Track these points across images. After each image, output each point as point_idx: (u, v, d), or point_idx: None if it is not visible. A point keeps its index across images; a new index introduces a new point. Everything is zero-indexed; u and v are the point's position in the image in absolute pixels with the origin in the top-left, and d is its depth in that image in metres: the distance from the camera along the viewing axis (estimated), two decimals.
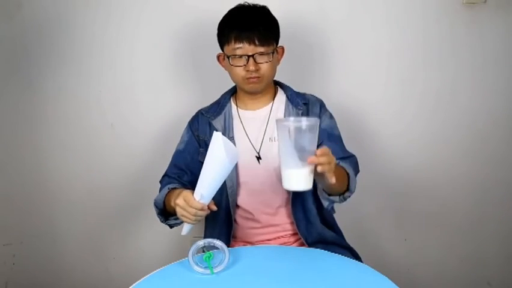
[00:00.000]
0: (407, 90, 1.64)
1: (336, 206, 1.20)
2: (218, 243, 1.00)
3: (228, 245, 1.24)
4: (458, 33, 1.59)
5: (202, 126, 1.32)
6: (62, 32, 1.69)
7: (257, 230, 1.30)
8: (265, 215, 1.28)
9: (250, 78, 1.20)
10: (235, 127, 1.29)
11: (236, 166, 1.23)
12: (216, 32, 1.25)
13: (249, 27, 1.17)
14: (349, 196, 1.14)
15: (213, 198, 1.04)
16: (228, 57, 1.21)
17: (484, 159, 1.66)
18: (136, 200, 1.76)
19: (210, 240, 1.01)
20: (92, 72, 1.71)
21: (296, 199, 1.25)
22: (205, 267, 0.97)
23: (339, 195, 1.13)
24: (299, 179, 0.93)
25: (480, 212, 1.70)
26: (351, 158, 1.24)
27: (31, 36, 1.70)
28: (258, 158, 1.25)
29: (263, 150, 1.25)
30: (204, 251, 1.02)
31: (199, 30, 1.61)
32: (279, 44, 1.27)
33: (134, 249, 1.83)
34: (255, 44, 1.17)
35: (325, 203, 1.16)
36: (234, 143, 1.23)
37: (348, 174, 1.13)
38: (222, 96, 1.36)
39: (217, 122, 1.29)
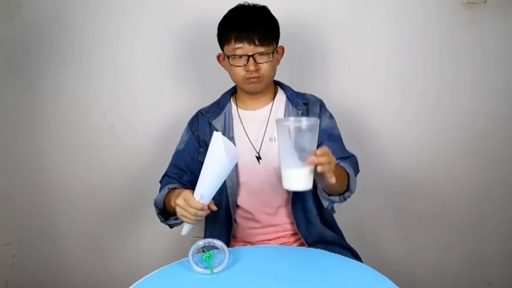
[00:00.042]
0: (407, 90, 1.64)
1: (336, 206, 1.20)
2: (218, 243, 1.00)
3: (228, 245, 1.24)
4: (458, 33, 1.59)
5: (202, 126, 1.32)
6: (62, 32, 1.69)
7: (257, 230, 1.30)
8: (265, 215, 1.28)
9: (250, 78, 1.20)
10: (235, 127, 1.29)
11: (236, 166, 1.23)
12: (215, 32, 1.25)
13: (249, 27, 1.17)
14: (349, 196, 1.14)
15: (213, 198, 1.04)
16: (228, 57, 1.21)
17: (484, 159, 1.66)
18: (136, 200, 1.76)
19: (210, 240, 1.01)
20: (92, 72, 1.72)
21: (296, 199, 1.25)
22: (205, 267, 0.97)
23: (339, 195, 1.13)
24: (299, 179, 0.93)
25: (480, 212, 1.70)
26: (351, 158, 1.24)
27: (31, 36, 1.70)
28: (258, 158, 1.25)
29: (263, 150, 1.25)
30: (204, 251, 1.02)
31: (199, 30, 1.61)
32: (279, 44, 1.27)
33: (134, 249, 1.83)
34: (255, 44, 1.17)
35: (325, 203, 1.16)
36: (234, 143, 1.23)
37: (348, 174, 1.13)
38: (222, 96, 1.36)
39: (217, 122, 1.29)
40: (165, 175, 1.31)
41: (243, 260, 1.03)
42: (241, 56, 1.19)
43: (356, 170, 1.22)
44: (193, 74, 1.69)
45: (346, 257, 1.08)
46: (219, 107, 1.32)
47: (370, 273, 0.98)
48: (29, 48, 1.71)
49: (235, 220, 1.31)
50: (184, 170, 1.29)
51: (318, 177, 0.95)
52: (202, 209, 1.02)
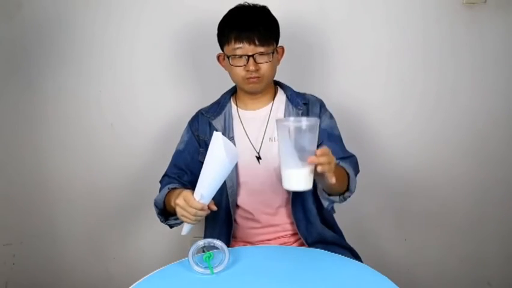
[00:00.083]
0: (407, 90, 1.64)
1: (336, 206, 1.20)
2: (218, 243, 1.00)
3: (228, 245, 1.24)
4: (458, 33, 1.59)
5: (202, 126, 1.32)
6: (62, 32, 1.69)
7: (257, 230, 1.30)
8: (265, 215, 1.28)
9: (250, 78, 1.20)
10: (235, 127, 1.29)
11: (236, 166, 1.23)
12: (215, 32, 1.25)
13: (249, 27, 1.17)
14: (349, 196, 1.14)
15: (213, 198, 1.04)
16: (228, 57, 1.21)
17: (484, 159, 1.66)
18: (136, 200, 1.76)
19: (210, 240, 1.01)
20: (92, 72, 1.72)
21: (296, 199, 1.25)
22: (205, 267, 0.97)
23: (339, 195, 1.13)
24: (299, 179, 0.93)
25: (480, 212, 1.70)
26: (351, 158, 1.24)
27: (31, 37, 1.70)
28: (258, 158, 1.25)
29: (263, 150, 1.25)
30: (204, 251, 1.02)
31: (199, 30, 1.61)
32: (279, 44, 1.27)
33: (134, 249, 1.83)
34: (255, 44, 1.17)
35: (325, 203, 1.16)
36: (234, 143, 1.23)
37: (348, 174, 1.13)
38: (222, 96, 1.36)
39: (217, 122, 1.29)
40: (165, 175, 1.31)
41: (243, 260, 1.03)
42: (241, 56, 1.19)
43: (356, 170, 1.22)
44: (193, 74, 1.69)
45: (346, 257, 1.08)
46: (219, 107, 1.32)
47: (370, 273, 0.98)
48: (29, 48, 1.71)
49: (235, 220, 1.31)
50: (184, 170, 1.29)
51: (318, 177, 0.95)
52: (202, 209, 1.02)
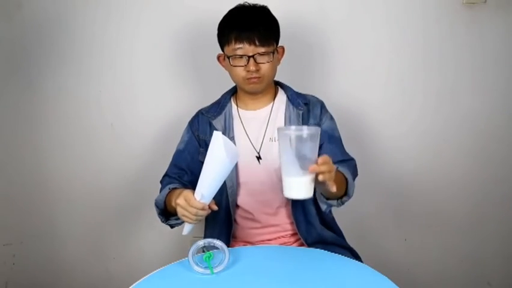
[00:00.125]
0: (407, 90, 1.64)
1: (335, 207, 1.20)
2: (218, 243, 1.00)
3: (228, 245, 1.24)
4: (458, 33, 1.59)
5: (202, 126, 1.32)
6: (62, 32, 1.69)
7: (257, 230, 1.30)
8: (265, 215, 1.28)
9: (251, 78, 1.20)
10: (235, 127, 1.29)
11: (236, 166, 1.23)
12: (216, 32, 1.25)
13: (249, 28, 1.17)
14: (346, 200, 1.15)
15: (213, 198, 1.04)
16: (229, 58, 1.21)
17: (484, 159, 1.66)
18: (136, 200, 1.76)
19: (210, 240, 1.01)
20: (92, 72, 1.72)
21: (296, 200, 1.25)
22: (205, 267, 0.97)
23: (337, 200, 1.13)
24: (300, 187, 0.93)
25: (480, 212, 1.70)
26: (350, 162, 1.25)
27: (31, 36, 1.70)
28: (258, 158, 1.25)
29: (263, 150, 1.25)
30: (204, 251, 1.02)
31: (199, 30, 1.61)
32: (279, 44, 1.27)
33: (134, 249, 1.83)
34: (255, 45, 1.17)
35: (323, 207, 1.17)
36: (234, 143, 1.23)
37: (346, 179, 1.14)
38: (222, 96, 1.36)
39: (218, 122, 1.29)
40: (165, 175, 1.31)
41: (243, 260, 1.03)
42: (241, 57, 1.18)
43: (355, 174, 1.23)
44: (193, 74, 1.69)
45: (346, 257, 1.08)
46: (219, 107, 1.32)
47: (370, 273, 0.98)
48: (28, 48, 1.71)
49: (235, 220, 1.31)
50: (185, 169, 1.29)
51: (318, 184, 0.96)
52: (203, 209, 1.02)
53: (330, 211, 1.25)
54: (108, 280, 1.85)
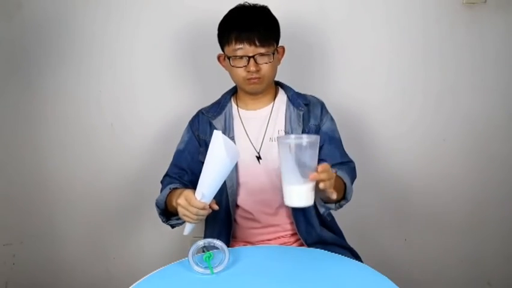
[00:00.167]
0: (407, 90, 1.64)
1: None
2: (218, 243, 1.00)
3: (228, 245, 1.24)
4: (458, 33, 1.59)
5: (202, 126, 1.32)
6: (61, 32, 1.69)
7: (257, 230, 1.30)
8: (265, 215, 1.28)
9: (251, 79, 1.20)
10: (235, 127, 1.29)
11: (236, 166, 1.23)
12: (216, 32, 1.25)
13: (249, 28, 1.17)
14: (344, 204, 1.16)
15: (213, 198, 1.04)
16: (229, 58, 1.21)
17: (484, 160, 1.66)
18: (136, 200, 1.76)
19: (210, 240, 1.01)
20: (92, 72, 1.72)
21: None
22: (205, 267, 0.97)
23: (335, 203, 1.14)
24: (300, 196, 0.94)
25: (480, 212, 1.70)
26: (349, 164, 1.26)
27: (31, 36, 1.70)
28: (258, 158, 1.25)
29: (263, 150, 1.25)
30: (204, 251, 1.02)
31: (199, 30, 1.61)
32: (280, 44, 1.27)
33: (134, 249, 1.83)
34: (255, 45, 1.17)
35: (321, 210, 1.18)
36: (234, 143, 1.23)
37: (345, 183, 1.14)
38: (222, 96, 1.35)
39: (218, 122, 1.29)
40: (166, 175, 1.31)
41: (243, 260, 1.03)
42: (241, 57, 1.18)
43: (353, 177, 1.24)
44: (193, 74, 1.69)
45: (346, 257, 1.08)
46: (219, 106, 1.32)
47: (370, 273, 0.98)
48: (28, 48, 1.71)
49: (235, 220, 1.31)
50: (185, 169, 1.29)
51: (318, 191, 0.97)
52: (203, 208, 1.02)
53: (329, 213, 1.26)
54: (108, 280, 1.85)
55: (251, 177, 1.26)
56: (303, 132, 1.25)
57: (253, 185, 1.26)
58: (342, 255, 1.10)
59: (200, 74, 1.68)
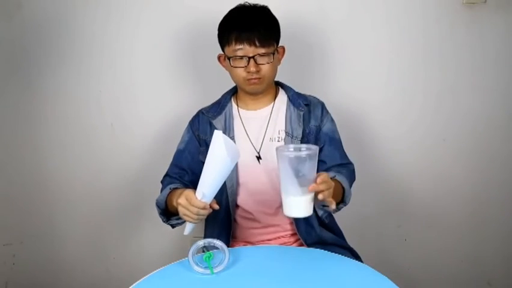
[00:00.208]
0: (407, 90, 1.64)
1: None
2: (218, 243, 1.00)
3: (228, 245, 1.24)
4: (458, 33, 1.59)
5: (202, 126, 1.32)
6: (61, 32, 1.69)
7: (257, 230, 1.30)
8: (265, 215, 1.28)
9: (251, 79, 1.20)
10: (235, 127, 1.28)
11: (236, 166, 1.23)
12: (216, 32, 1.24)
13: (249, 28, 1.17)
14: (342, 207, 1.16)
15: (213, 198, 1.04)
16: (229, 59, 1.21)
17: (485, 160, 1.66)
18: (136, 200, 1.76)
19: (210, 240, 1.01)
20: (92, 72, 1.71)
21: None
22: (205, 267, 0.97)
23: None
24: (300, 206, 0.95)
25: (480, 212, 1.70)
26: (348, 166, 1.26)
27: (31, 36, 1.70)
28: (258, 158, 1.25)
29: (263, 150, 1.25)
30: (204, 251, 1.02)
31: (199, 30, 1.61)
32: (280, 44, 1.27)
33: (134, 250, 1.83)
34: (255, 45, 1.17)
35: (319, 212, 1.20)
36: (234, 143, 1.23)
37: (343, 187, 1.15)
38: (222, 96, 1.35)
39: (218, 122, 1.29)
40: (166, 175, 1.31)
41: (243, 260, 1.03)
42: (241, 57, 1.18)
43: (352, 180, 1.25)
44: (193, 74, 1.69)
45: (346, 257, 1.08)
46: (219, 106, 1.32)
47: (370, 273, 0.98)
48: (28, 48, 1.71)
49: (235, 220, 1.31)
50: (185, 169, 1.29)
51: (317, 201, 0.97)
52: (204, 208, 1.02)
53: (327, 215, 1.27)
54: (108, 280, 1.84)
55: (251, 177, 1.26)
56: (304, 132, 1.25)
57: (253, 185, 1.26)
58: (342, 255, 1.10)
59: (200, 74, 1.68)
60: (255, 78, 1.20)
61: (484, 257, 1.73)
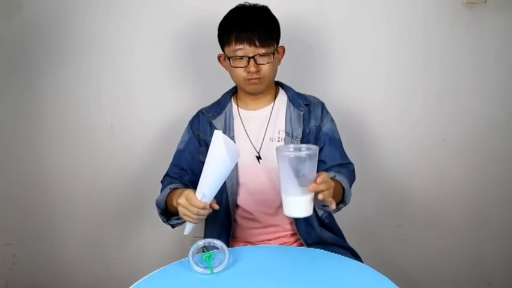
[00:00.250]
0: (407, 90, 1.64)
1: None
2: (218, 243, 1.00)
3: (228, 245, 1.24)
4: (458, 33, 1.59)
5: (202, 126, 1.32)
6: (61, 32, 1.69)
7: (257, 230, 1.30)
8: (265, 215, 1.28)
9: (251, 79, 1.20)
10: (235, 127, 1.28)
11: (236, 166, 1.23)
12: (216, 32, 1.24)
13: (249, 28, 1.17)
14: (342, 207, 1.16)
15: (214, 198, 1.04)
16: (229, 59, 1.21)
17: (485, 160, 1.66)
18: (136, 200, 1.76)
19: (210, 240, 1.01)
20: (92, 72, 1.71)
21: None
22: (205, 267, 0.97)
23: None
24: (300, 206, 0.95)
25: (480, 212, 1.70)
26: (348, 167, 1.26)
27: (31, 36, 1.70)
28: (258, 158, 1.25)
29: (263, 150, 1.25)
30: (204, 251, 1.02)
31: (199, 30, 1.61)
32: (280, 44, 1.27)
33: (134, 250, 1.83)
34: (255, 45, 1.17)
35: (319, 212, 1.20)
36: (234, 143, 1.23)
37: (343, 187, 1.15)
38: (222, 96, 1.35)
39: (218, 122, 1.29)
40: (166, 175, 1.31)
41: (243, 260, 1.03)
42: (241, 57, 1.18)
43: (352, 180, 1.25)
44: (193, 74, 1.69)
45: (346, 257, 1.08)
46: (219, 106, 1.32)
47: (370, 273, 0.98)
48: (28, 48, 1.71)
49: (235, 220, 1.31)
50: (185, 169, 1.29)
51: (317, 201, 0.97)
52: (204, 208, 1.02)
53: (327, 215, 1.27)
54: (108, 280, 1.85)
55: (251, 177, 1.26)
56: (304, 132, 1.25)
57: (253, 185, 1.26)
58: (342, 255, 1.10)
59: (200, 74, 1.68)
60: (255, 78, 1.20)
61: (484, 257, 1.73)
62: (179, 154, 1.32)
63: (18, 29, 1.70)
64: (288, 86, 1.33)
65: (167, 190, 1.19)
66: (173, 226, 1.22)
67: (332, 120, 1.31)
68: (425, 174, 1.68)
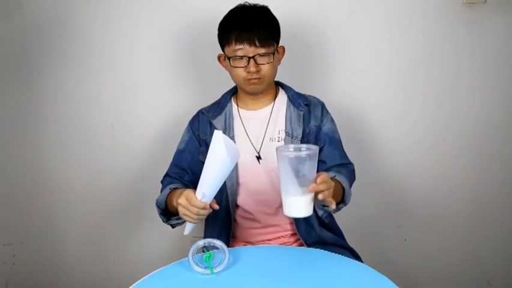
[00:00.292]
0: (407, 90, 1.64)
1: None
2: (218, 243, 1.00)
3: (228, 245, 1.24)
4: (458, 33, 1.59)
5: (202, 126, 1.32)
6: (61, 32, 1.69)
7: (257, 230, 1.30)
8: (265, 215, 1.28)
9: (251, 79, 1.20)
10: (235, 127, 1.29)
11: (236, 166, 1.23)
12: (216, 32, 1.24)
13: (249, 28, 1.17)
14: (342, 207, 1.16)
15: (213, 198, 1.04)
16: (229, 59, 1.21)
17: (485, 160, 1.66)
18: (136, 200, 1.76)
19: (210, 240, 1.01)
20: (92, 72, 1.71)
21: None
22: (205, 267, 0.97)
23: None
24: (300, 206, 0.95)
25: (480, 212, 1.70)
26: (348, 167, 1.26)
27: (31, 36, 1.70)
28: (258, 158, 1.25)
29: (263, 150, 1.25)
30: (204, 251, 1.02)
31: (199, 30, 1.61)
32: (280, 44, 1.27)
33: (134, 250, 1.83)
34: (255, 45, 1.17)
35: (319, 212, 1.20)
36: (234, 143, 1.23)
37: (343, 187, 1.15)
38: (222, 96, 1.35)
39: (218, 122, 1.29)
40: (166, 175, 1.31)
41: (243, 260, 1.03)
42: (241, 57, 1.18)
43: (352, 180, 1.25)
44: (193, 74, 1.69)
45: (346, 257, 1.08)
46: (219, 106, 1.32)
47: (370, 273, 0.98)
48: (28, 48, 1.71)
49: (235, 220, 1.31)
50: (185, 169, 1.29)
51: (317, 201, 0.97)
52: (204, 208, 1.02)
53: (327, 216, 1.27)
54: (108, 280, 1.85)
55: (251, 177, 1.26)
56: (304, 132, 1.25)
57: (253, 185, 1.26)
58: (342, 255, 1.10)
59: (200, 74, 1.68)
60: (255, 78, 1.20)
61: (484, 257, 1.73)
62: (179, 154, 1.32)
63: (18, 29, 1.70)
64: (288, 86, 1.33)
65: (167, 190, 1.19)
66: (173, 226, 1.22)
67: (332, 120, 1.31)
68: (425, 174, 1.68)
